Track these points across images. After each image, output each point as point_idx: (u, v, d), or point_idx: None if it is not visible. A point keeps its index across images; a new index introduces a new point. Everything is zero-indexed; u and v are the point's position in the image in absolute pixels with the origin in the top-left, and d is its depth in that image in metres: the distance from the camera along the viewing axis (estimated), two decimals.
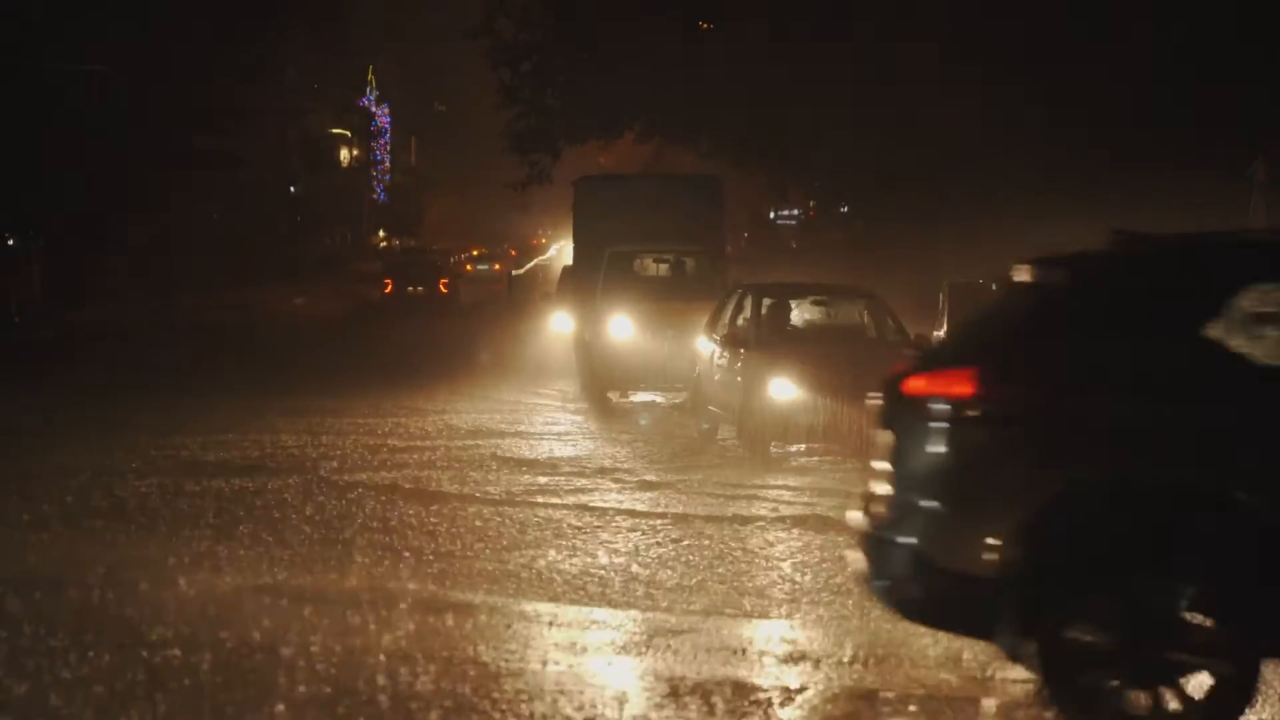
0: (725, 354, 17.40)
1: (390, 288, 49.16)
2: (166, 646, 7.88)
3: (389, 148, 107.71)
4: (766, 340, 16.99)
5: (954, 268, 34.72)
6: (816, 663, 8.04)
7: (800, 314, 18.05)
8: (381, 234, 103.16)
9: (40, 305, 39.50)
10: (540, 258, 65.01)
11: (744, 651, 8.24)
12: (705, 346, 18.37)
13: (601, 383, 21.45)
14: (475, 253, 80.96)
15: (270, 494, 13.20)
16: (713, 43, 35.27)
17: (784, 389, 15.98)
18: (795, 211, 56.64)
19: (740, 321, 17.66)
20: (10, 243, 41.80)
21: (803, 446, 16.42)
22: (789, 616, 9.11)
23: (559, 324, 27.46)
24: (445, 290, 48.80)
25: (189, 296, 43.33)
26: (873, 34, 28.75)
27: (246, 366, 27.71)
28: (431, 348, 31.80)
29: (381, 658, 7.82)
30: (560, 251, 66.93)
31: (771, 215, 57.73)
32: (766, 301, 17.63)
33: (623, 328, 21.05)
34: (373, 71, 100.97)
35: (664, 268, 22.85)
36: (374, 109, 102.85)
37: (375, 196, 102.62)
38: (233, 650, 7.87)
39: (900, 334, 17.28)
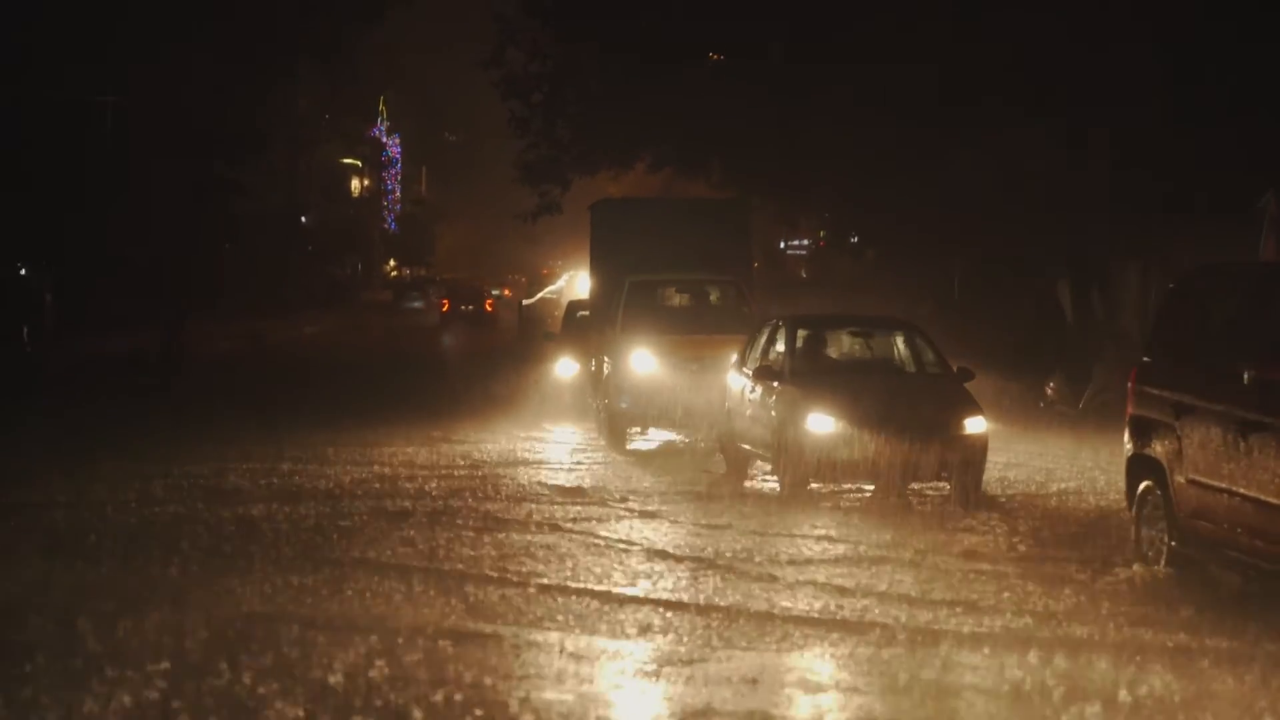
0: (758, 388, 16.54)
1: (447, 306, 62.25)
2: (177, 672, 7.91)
3: (399, 177, 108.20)
4: (802, 373, 16.11)
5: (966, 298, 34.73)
6: (828, 694, 8.04)
7: (836, 346, 17.15)
8: (392, 263, 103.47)
9: (53, 334, 39.60)
10: (549, 288, 65.13)
11: (755, 682, 8.24)
12: (736, 381, 17.47)
13: (620, 420, 20.31)
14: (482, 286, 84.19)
15: (282, 520, 13.20)
16: (723, 74, 35.35)
17: (821, 423, 15.18)
18: (805, 242, 56.66)
19: (773, 354, 16.80)
20: (23, 272, 41.97)
21: (840, 485, 15.66)
22: (804, 650, 9.10)
23: (564, 369, 25.82)
24: (490, 309, 62.11)
25: (200, 326, 43.40)
26: (884, 65, 28.79)
27: (277, 393, 27.83)
28: (444, 386, 31.81)
29: (393, 685, 7.82)
30: (569, 282, 66.90)
31: (781, 245, 57.77)
32: (801, 333, 16.74)
33: (644, 362, 20.02)
34: (384, 102, 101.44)
35: (688, 298, 21.69)
36: (385, 139, 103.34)
37: (386, 226, 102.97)
38: (246, 675, 7.89)
39: (941, 366, 16.54)
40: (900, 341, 17.05)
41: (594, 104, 36.87)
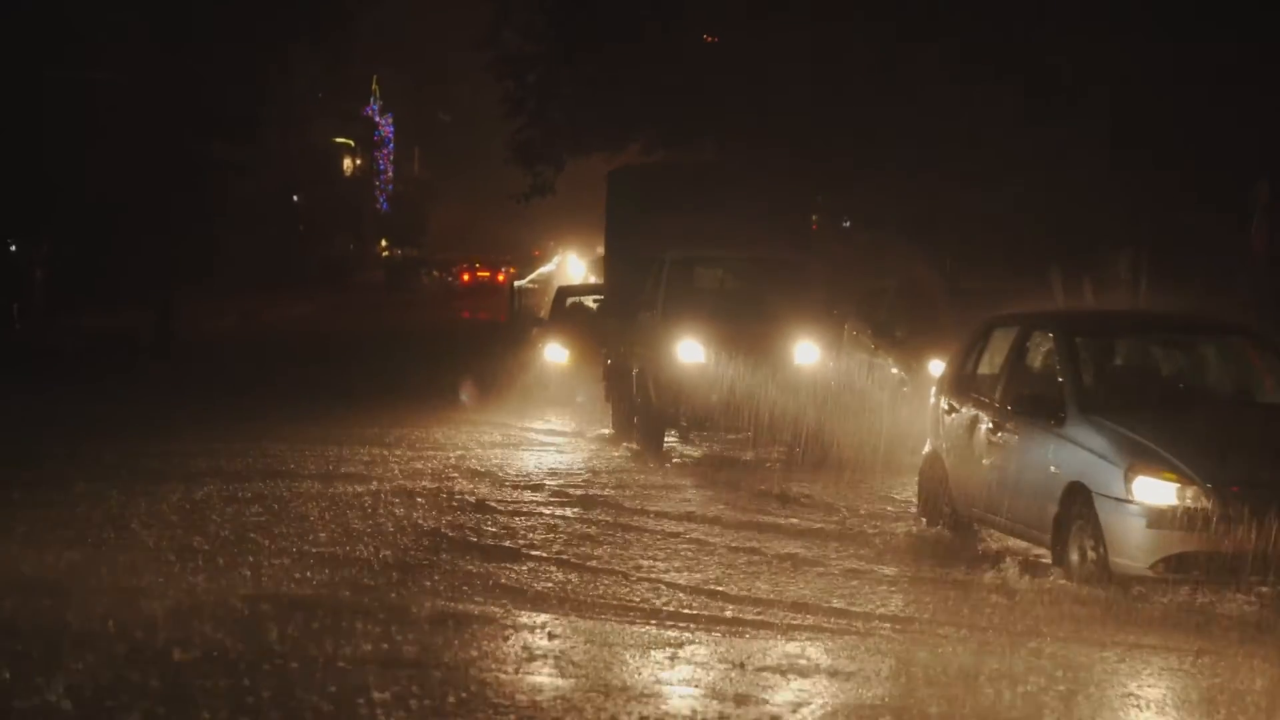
0: (1011, 428, 11.28)
1: (468, 278, 75.83)
2: (167, 653, 7.91)
3: (392, 157, 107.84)
4: (1103, 408, 10.65)
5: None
6: (816, 679, 8.06)
7: (1135, 361, 11.77)
8: (384, 243, 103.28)
9: (42, 311, 39.54)
10: (537, 271, 65.21)
11: (743, 666, 8.27)
12: (956, 411, 12.30)
13: (657, 421, 17.49)
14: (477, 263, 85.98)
15: (267, 501, 13.19)
16: (717, 55, 35.28)
17: (1155, 491, 9.83)
18: None
19: (1033, 375, 11.55)
20: (13, 248, 41.90)
21: (1193, 584, 9.88)
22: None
23: (553, 354, 24.24)
24: (501, 279, 70.37)
25: (194, 307, 43.34)
26: (879, 42, 28.73)
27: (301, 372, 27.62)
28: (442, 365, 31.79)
29: (378, 666, 7.84)
30: (560, 265, 66.84)
31: None
32: (1083, 343, 11.39)
33: (692, 353, 17.16)
34: (377, 81, 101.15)
35: (741, 280, 18.64)
36: (378, 118, 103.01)
37: (378, 206, 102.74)
38: (234, 658, 7.90)
39: None
40: (1229, 353, 11.75)
41: (587, 85, 36.80)
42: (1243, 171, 22.51)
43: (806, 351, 17.54)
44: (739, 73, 32.72)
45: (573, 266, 63.24)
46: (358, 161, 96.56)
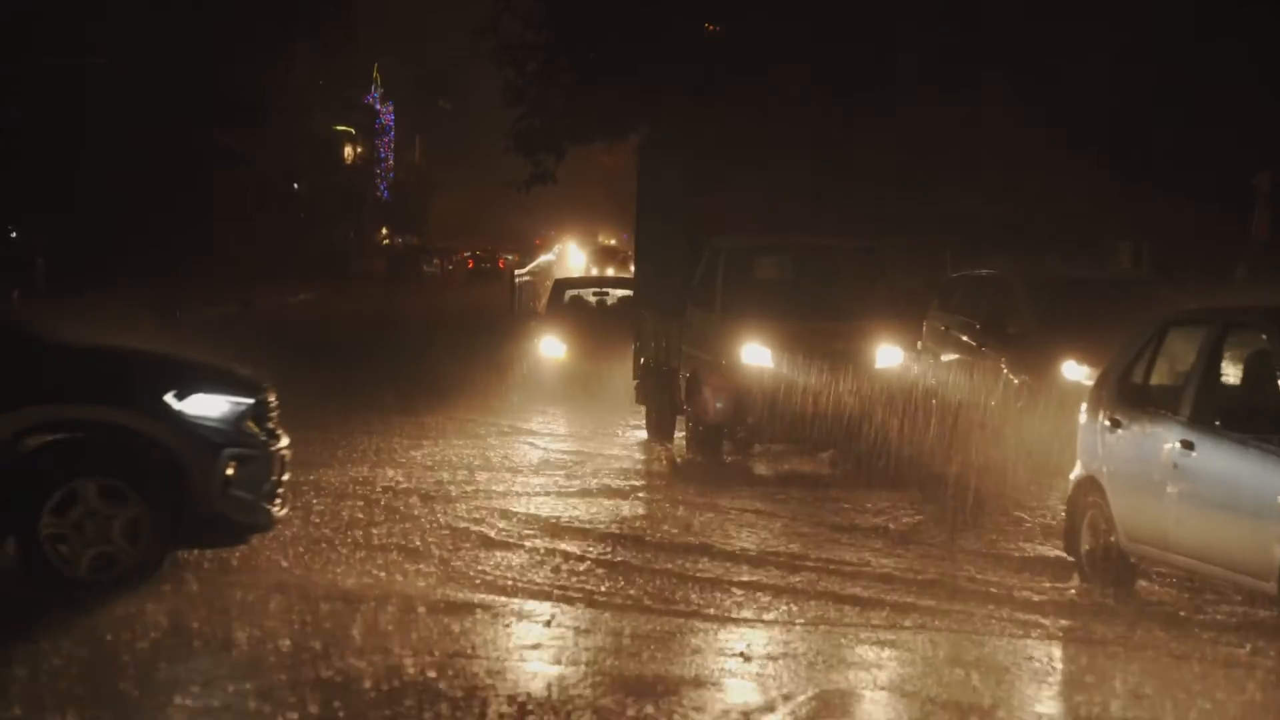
0: (1211, 449, 9.14)
1: (472, 264, 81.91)
2: (165, 640, 7.92)
3: (393, 145, 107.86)
4: None
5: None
6: (809, 666, 8.08)
7: None
8: (385, 232, 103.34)
9: (43, 299, 39.56)
10: (538, 260, 65.18)
11: (741, 655, 8.30)
12: (1119, 427, 10.10)
13: (713, 432, 15.58)
14: (479, 252, 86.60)
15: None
16: (717, 45, 35.27)
17: None
18: None
19: (1217, 382, 9.56)
20: (14, 236, 41.94)
21: None
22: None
23: (549, 349, 23.17)
24: (501, 265, 76.73)
25: (190, 293, 43.34)
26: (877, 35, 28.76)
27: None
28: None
29: (391, 654, 7.88)
30: (561, 254, 66.84)
31: None
32: None
33: (757, 357, 15.26)
34: (378, 69, 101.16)
35: (808, 271, 16.70)
36: (378, 107, 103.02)
37: (379, 194, 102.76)
38: (221, 641, 7.97)
39: None
40: None
41: (588, 74, 36.78)
42: (1243, 165, 22.51)
43: (889, 354, 15.60)
44: (740, 63, 32.75)
45: (573, 256, 63.23)
46: (358, 149, 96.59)
